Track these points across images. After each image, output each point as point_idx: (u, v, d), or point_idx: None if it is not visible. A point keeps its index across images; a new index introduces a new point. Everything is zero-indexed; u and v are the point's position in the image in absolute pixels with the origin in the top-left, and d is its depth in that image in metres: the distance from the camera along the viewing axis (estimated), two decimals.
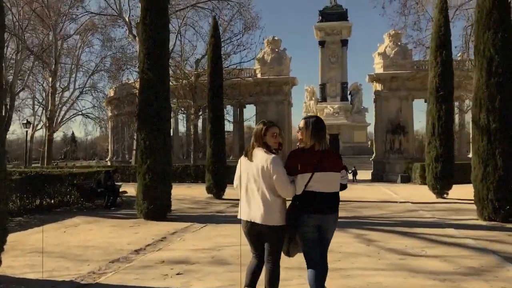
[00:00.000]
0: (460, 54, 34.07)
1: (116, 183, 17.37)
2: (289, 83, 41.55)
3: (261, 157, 4.09)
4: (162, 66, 11.90)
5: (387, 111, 39.39)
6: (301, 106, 70.04)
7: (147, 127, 11.69)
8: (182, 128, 49.57)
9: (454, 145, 16.97)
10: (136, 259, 7.18)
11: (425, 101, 43.97)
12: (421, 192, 19.13)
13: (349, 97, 68.09)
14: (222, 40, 32.20)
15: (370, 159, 44.88)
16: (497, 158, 10.31)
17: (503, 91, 10.37)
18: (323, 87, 67.08)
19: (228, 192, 18.30)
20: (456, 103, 40.71)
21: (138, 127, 12.08)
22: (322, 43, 66.98)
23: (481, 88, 10.61)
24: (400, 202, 15.64)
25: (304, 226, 4.03)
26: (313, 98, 67.97)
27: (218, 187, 17.42)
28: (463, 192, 17.14)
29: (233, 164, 31.42)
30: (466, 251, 7.28)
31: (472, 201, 15.42)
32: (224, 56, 31.96)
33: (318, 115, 63.22)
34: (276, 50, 42.06)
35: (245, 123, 49.04)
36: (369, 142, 69.69)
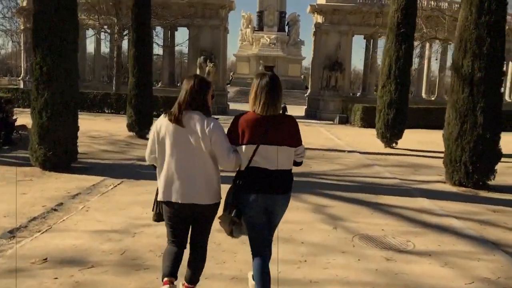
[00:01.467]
0: None
1: (21, 109, 14.26)
2: (226, 6, 38.19)
3: (199, 121, 3.27)
4: None
5: (326, 45, 37.92)
6: (237, 34, 66.56)
7: (44, 48, 8.74)
8: (105, 49, 45.01)
9: (409, 91, 15.44)
10: (5, 252, 4.78)
11: (364, 38, 43.27)
12: (366, 138, 17.79)
13: (286, 28, 65.48)
14: None
15: (305, 95, 43.70)
16: (477, 113, 8.70)
17: (494, 32, 8.58)
18: (260, 15, 63.68)
19: None
20: None
21: (32, 47, 9.04)
22: None
23: (468, 28, 8.73)
24: (348, 152, 14.08)
25: (249, 208, 3.38)
26: (250, 26, 64.71)
27: (141, 125, 14.79)
28: (407, 140, 15.91)
29: (161, 94, 28.60)
30: (462, 243, 5.61)
31: (423, 153, 14.43)
32: None
33: (254, 44, 60.78)
34: None
35: (176, 48, 45.34)
36: (303, 77, 68.61)
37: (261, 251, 3.43)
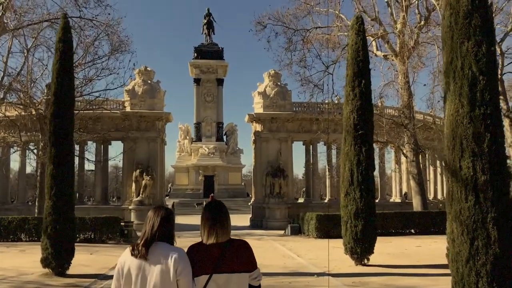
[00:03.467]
0: (336, 97, 33.11)
1: None
2: (163, 118, 37.14)
3: (164, 252, 3.18)
4: None
5: (267, 153, 37.38)
6: (175, 146, 65.71)
7: None
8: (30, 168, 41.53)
9: (375, 197, 13.77)
10: None
11: (303, 144, 43.30)
12: (330, 251, 15.58)
13: (224, 137, 65.68)
14: (83, 62, 26.75)
15: (248, 203, 41.87)
16: (489, 226, 6.93)
17: (492, 127, 7.17)
18: (198, 126, 63.58)
19: (78, 262, 12.79)
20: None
21: None
22: (197, 81, 64.20)
23: (461, 123, 7.27)
24: (318, 275, 11.75)
25: None
26: (188, 137, 64.16)
27: (60, 258, 11.78)
28: (377, 253, 13.82)
29: (91, 213, 25.43)
30: None
31: (402, 270, 12.36)
32: (84, 81, 26.36)
33: (193, 155, 59.73)
34: (149, 81, 37.65)
35: (111, 162, 42.77)
36: (243, 184, 67.47)
37: None
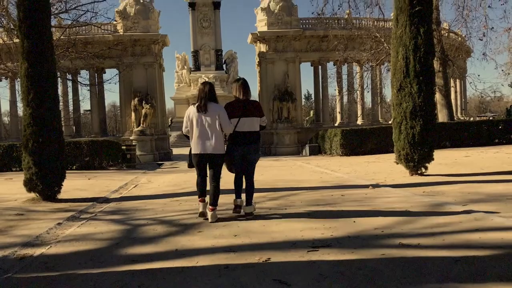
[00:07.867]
0: (347, 11, 29.73)
1: None
2: (159, 41, 34.07)
3: (215, 108, 6.33)
4: None
5: (273, 75, 34.65)
6: (173, 76, 62.30)
7: None
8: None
9: (435, 92, 11.11)
10: None
11: (311, 65, 40.22)
12: (370, 166, 13.32)
13: (224, 66, 62.05)
14: None
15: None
16: None
17: None
18: (195, 54, 59.75)
19: (74, 187, 10.50)
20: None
21: None
22: (192, 5, 59.41)
23: None
24: (373, 187, 9.38)
25: (234, 153, 6.53)
26: (186, 67, 60.69)
27: (47, 179, 9.27)
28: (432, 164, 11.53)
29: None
30: None
31: (475, 177, 9.98)
32: None
33: (192, 85, 56.45)
34: (141, 1, 33.95)
35: (109, 101, 39.98)
36: None
37: (238, 173, 6.77)
